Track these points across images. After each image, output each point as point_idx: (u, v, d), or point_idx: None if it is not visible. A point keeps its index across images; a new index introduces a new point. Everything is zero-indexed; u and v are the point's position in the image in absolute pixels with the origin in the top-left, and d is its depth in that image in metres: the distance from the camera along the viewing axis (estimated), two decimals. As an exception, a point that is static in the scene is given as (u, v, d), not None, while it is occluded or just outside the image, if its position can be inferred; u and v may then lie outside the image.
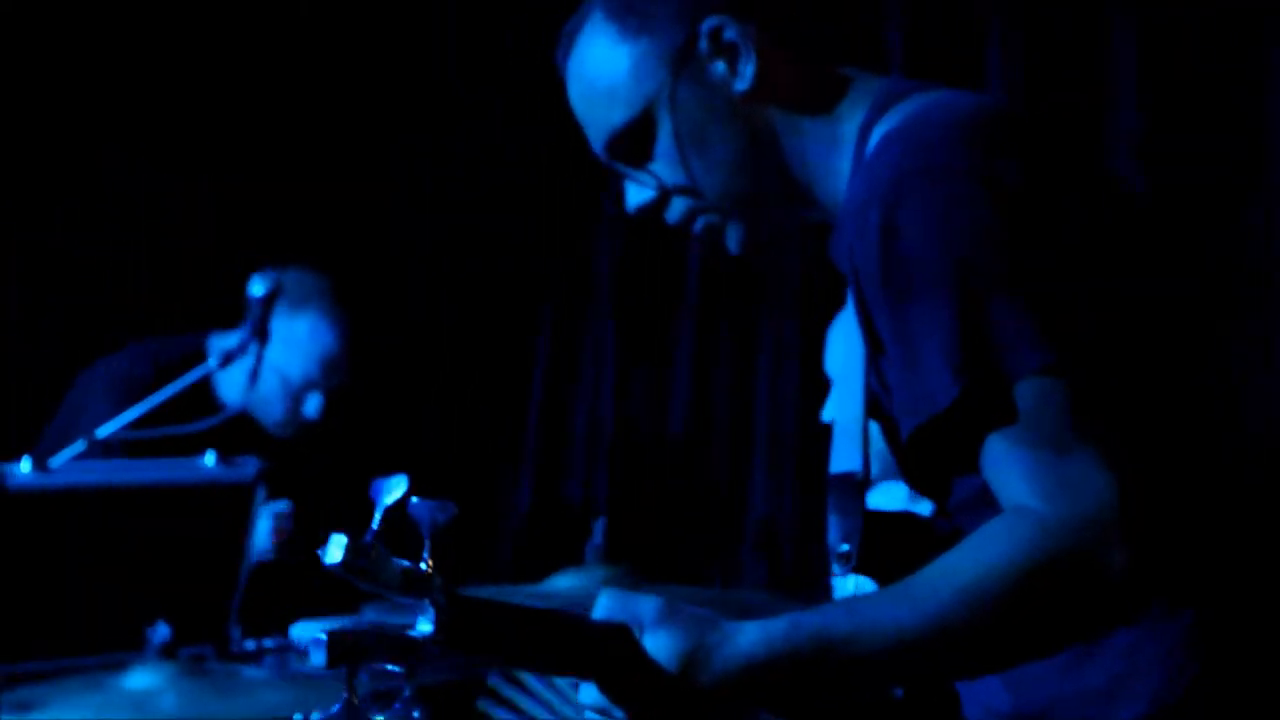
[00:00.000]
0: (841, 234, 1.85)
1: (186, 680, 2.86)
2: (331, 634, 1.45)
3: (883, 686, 1.75)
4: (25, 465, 3.00)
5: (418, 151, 5.08)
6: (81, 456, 3.14)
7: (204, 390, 3.50)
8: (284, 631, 3.46)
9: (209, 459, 3.19)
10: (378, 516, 1.46)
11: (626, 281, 4.77)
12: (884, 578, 1.79)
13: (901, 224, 1.70)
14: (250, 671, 3.19)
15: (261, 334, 3.40)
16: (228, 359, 3.46)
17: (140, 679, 2.83)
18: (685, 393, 4.64)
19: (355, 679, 1.47)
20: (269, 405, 3.96)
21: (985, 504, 1.69)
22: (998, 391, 1.65)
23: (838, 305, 3.22)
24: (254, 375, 3.42)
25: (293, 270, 3.89)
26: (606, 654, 1.60)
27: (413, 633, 1.49)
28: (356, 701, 1.46)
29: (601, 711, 1.64)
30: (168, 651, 2.86)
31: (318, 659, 1.45)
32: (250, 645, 3.37)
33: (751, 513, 4.46)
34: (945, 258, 1.68)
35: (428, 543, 1.48)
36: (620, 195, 2.05)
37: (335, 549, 1.45)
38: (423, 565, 1.48)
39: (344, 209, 4.88)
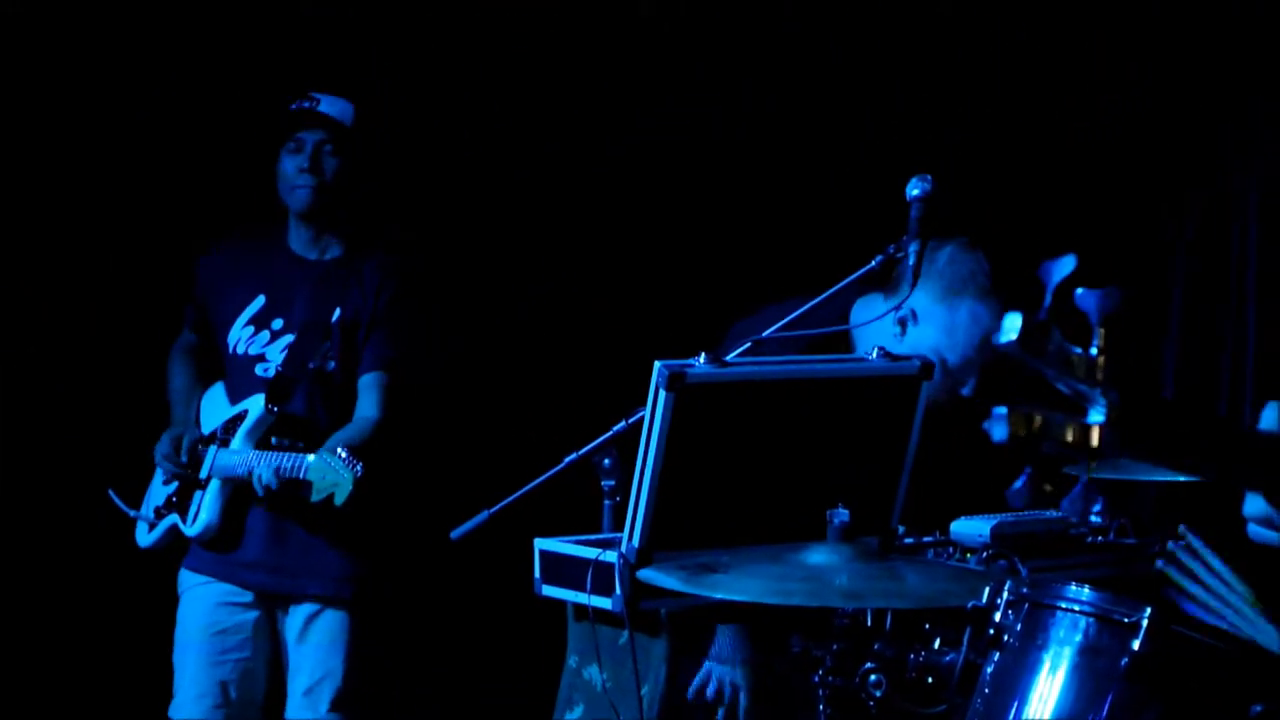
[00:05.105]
0: None
1: (859, 563, 2.97)
2: (1011, 410, 1.49)
3: None
4: (701, 359, 3.17)
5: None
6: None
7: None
8: (944, 529, 3.52)
9: (874, 354, 3.28)
10: (1048, 297, 1.49)
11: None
12: None
13: None
14: (914, 562, 3.27)
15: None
16: None
17: (818, 556, 2.95)
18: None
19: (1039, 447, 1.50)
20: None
21: None
22: None
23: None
24: None
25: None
26: None
27: (1087, 419, 1.52)
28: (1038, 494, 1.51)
29: (1264, 523, 1.63)
30: (846, 535, 2.97)
31: (998, 434, 1.50)
32: (910, 540, 3.44)
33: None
34: None
35: (1098, 330, 1.50)
36: None
37: (1011, 327, 1.49)
38: (1093, 352, 1.50)
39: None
